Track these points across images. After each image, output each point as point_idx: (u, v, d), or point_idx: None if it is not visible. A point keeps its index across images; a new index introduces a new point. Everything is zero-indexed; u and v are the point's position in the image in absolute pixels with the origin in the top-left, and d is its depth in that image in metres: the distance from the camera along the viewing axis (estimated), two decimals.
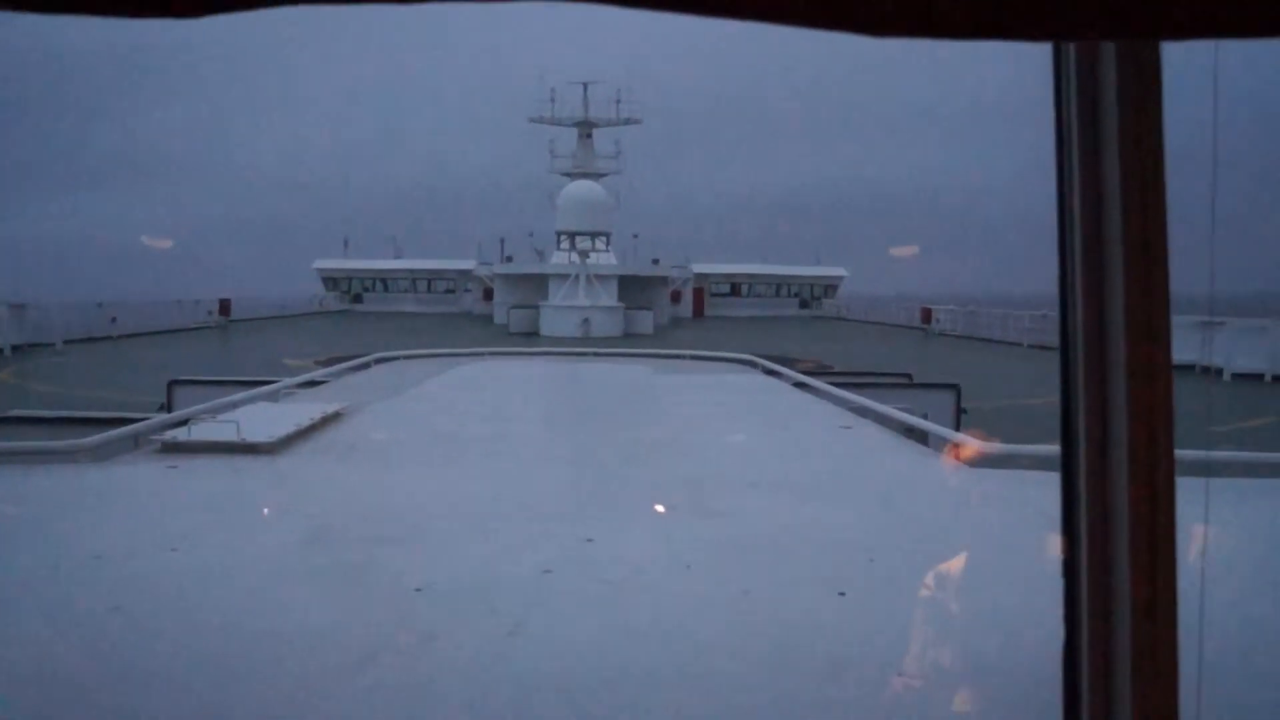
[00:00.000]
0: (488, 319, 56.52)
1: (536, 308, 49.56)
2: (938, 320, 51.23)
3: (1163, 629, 1.92)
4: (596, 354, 21.83)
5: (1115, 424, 1.96)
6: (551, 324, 46.80)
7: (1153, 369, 1.92)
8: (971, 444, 8.64)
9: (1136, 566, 1.92)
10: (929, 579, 5.03)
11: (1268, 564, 4.85)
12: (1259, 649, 3.77)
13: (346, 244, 71.23)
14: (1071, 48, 1.99)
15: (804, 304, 71.05)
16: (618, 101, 67.68)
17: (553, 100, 67.69)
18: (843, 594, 4.63)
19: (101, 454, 7.93)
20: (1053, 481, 7.34)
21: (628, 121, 68.41)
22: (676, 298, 64.52)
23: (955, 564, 5.31)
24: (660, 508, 6.59)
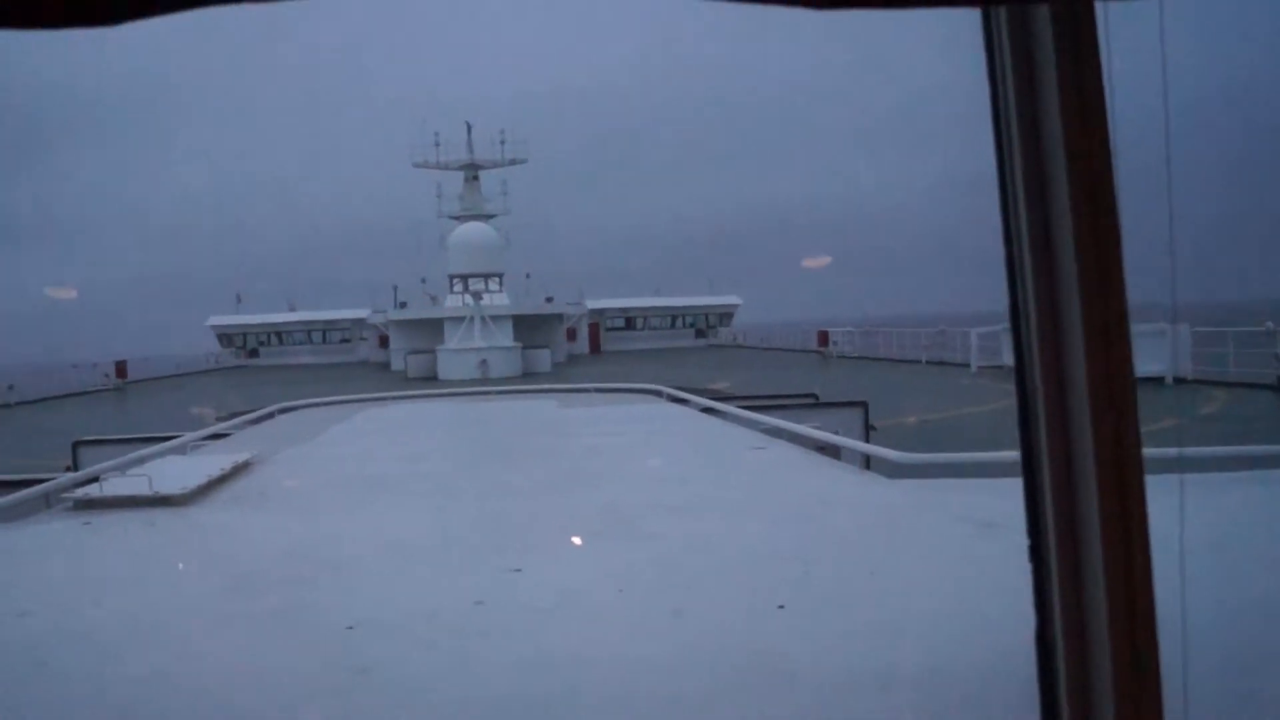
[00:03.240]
0: (385, 366, 55.91)
1: (433, 352, 49.12)
2: (835, 343, 51.96)
3: (1142, 629, 1.84)
4: (501, 392, 21.62)
5: (1078, 425, 1.88)
6: (449, 367, 46.37)
7: (1112, 363, 1.86)
8: (886, 455, 8.75)
9: (1111, 567, 1.84)
10: (868, 586, 5.03)
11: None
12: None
13: (239, 299, 70.12)
14: (1003, 13, 1.90)
15: (700, 333, 71.61)
16: (502, 142, 67.67)
17: (437, 144, 67.43)
18: (782, 607, 4.61)
19: (12, 514, 7.78)
20: (971, 488, 7.35)
21: (513, 162, 68.33)
22: (572, 335, 64.50)
23: (890, 570, 5.33)
24: (583, 536, 6.55)
